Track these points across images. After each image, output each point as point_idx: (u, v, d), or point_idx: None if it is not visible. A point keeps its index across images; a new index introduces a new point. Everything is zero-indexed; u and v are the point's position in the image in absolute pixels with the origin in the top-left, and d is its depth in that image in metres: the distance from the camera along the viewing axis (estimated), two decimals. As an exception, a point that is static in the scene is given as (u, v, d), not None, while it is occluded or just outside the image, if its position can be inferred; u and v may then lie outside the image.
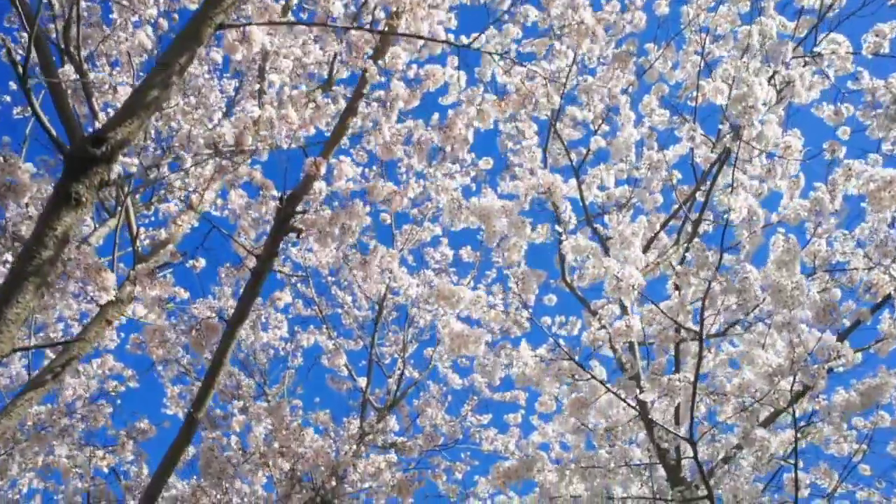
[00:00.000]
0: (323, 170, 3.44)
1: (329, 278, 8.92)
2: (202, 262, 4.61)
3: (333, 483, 5.67)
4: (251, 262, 3.68)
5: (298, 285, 8.90)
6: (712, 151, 5.56)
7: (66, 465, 3.32)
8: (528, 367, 4.07)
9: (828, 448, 4.40)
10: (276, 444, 4.19)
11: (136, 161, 4.27)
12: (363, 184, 3.61)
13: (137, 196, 4.84)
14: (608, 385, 3.91)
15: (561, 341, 3.94)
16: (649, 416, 3.98)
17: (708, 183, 5.76)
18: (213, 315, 3.63)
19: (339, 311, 8.65)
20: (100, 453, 4.13)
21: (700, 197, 5.78)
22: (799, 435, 4.00)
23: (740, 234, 3.97)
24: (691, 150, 5.78)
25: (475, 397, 8.44)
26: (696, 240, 3.95)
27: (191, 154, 4.03)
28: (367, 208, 3.83)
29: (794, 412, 4.03)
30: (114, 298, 4.43)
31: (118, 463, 4.19)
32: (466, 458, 7.78)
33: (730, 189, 3.92)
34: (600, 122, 6.64)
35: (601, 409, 4.08)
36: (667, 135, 7.33)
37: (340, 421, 6.71)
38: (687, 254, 4.03)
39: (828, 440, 4.38)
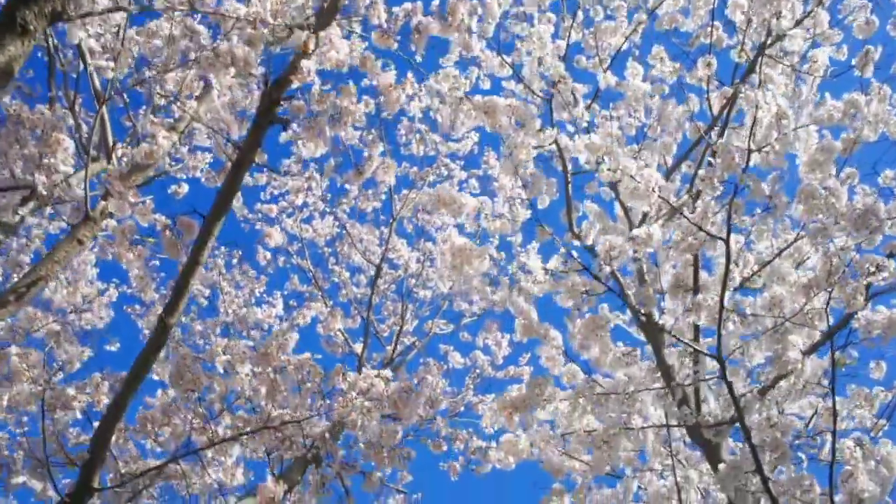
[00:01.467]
0: (313, 45, 3.11)
1: (326, 249, 8.60)
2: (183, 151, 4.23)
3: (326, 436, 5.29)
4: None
5: (294, 258, 8.58)
6: (731, 85, 5.23)
7: (17, 365, 2.96)
8: (538, 282, 3.71)
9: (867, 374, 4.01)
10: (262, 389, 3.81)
11: (111, 64, 3.94)
12: (356, 59, 3.27)
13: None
14: (627, 298, 3.54)
15: (574, 252, 3.58)
16: (670, 332, 3.61)
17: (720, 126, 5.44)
18: (189, 213, 3.28)
19: (336, 279, 8.30)
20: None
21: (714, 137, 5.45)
22: (837, 355, 3.63)
23: (769, 135, 3.62)
24: (706, 94, 5.46)
25: (477, 371, 8.06)
26: (720, 141, 3.61)
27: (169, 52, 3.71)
28: (363, 107, 3.50)
29: (830, 330, 3.66)
30: (86, 213, 4.10)
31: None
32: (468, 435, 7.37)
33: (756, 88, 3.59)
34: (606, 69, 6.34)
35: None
36: (677, 90, 7.04)
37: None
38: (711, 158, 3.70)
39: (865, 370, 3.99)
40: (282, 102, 3.32)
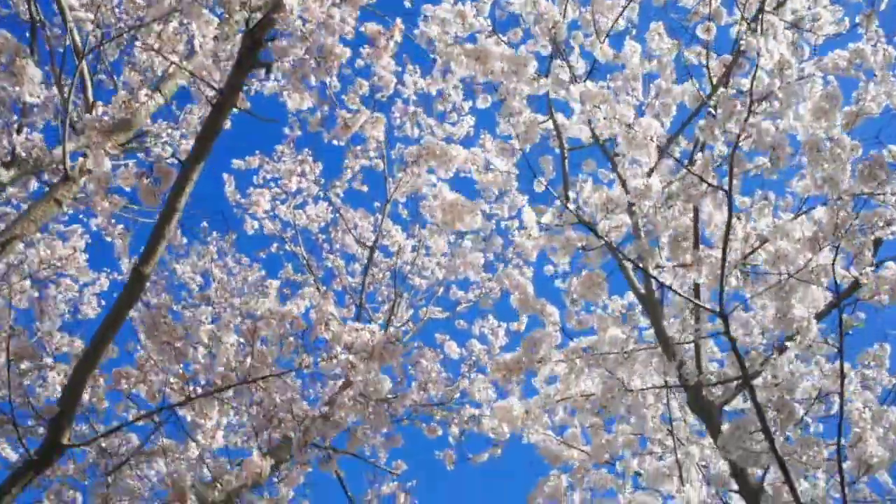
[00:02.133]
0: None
1: (319, 236, 8.45)
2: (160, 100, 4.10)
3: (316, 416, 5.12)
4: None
5: (288, 244, 8.43)
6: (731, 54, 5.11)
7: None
8: (532, 237, 3.56)
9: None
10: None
11: (90, 16, 3.81)
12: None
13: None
14: (624, 253, 3.39)
15: (570, 205, 3.43)
16: (669, 286, 3.45)
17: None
18: (167, 158, 3.13)
19: (330, 265, 8.14)
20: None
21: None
22: (845, 317, 3.47)
23: (771, 84, 3.49)
24: (706, 64, 5.33)
25: (473, 359, 7.88)
26: (721, 89, 3.48)
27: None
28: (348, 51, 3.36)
29: (837, 287, 3.51)
30: (64, 172, 3.96)
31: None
32: (464, 419, 7.19)
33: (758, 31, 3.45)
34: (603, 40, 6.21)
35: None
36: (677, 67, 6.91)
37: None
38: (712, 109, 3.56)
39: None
40: (264, 43, 3.19)
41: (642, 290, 5.13)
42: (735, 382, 4.27)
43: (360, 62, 6.77)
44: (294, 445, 3.38)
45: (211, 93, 3.48)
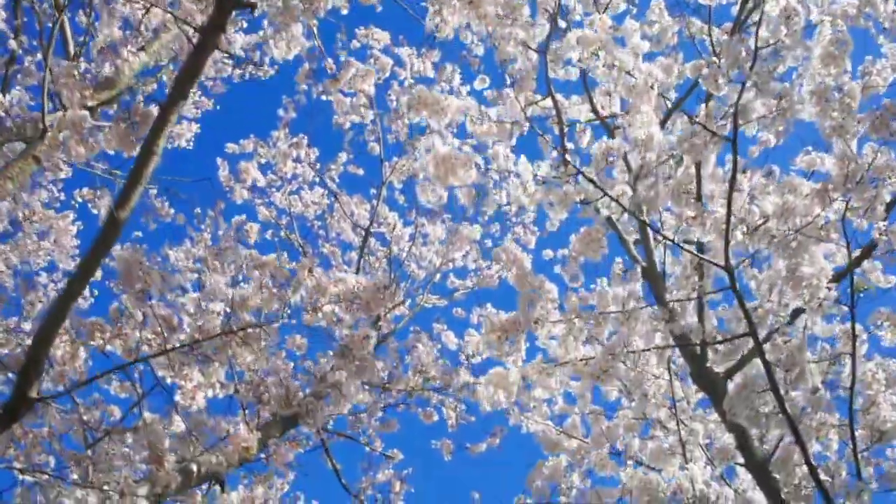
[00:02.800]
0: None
1: (315, 223, 8.30)
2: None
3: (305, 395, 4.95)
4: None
5: (283, 231, 8.28)
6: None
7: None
8: (528, 191, 3.40)
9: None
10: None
11: (71, -34, 3.69)
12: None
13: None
14: (625, 205, 3.23)
15: (567, 155, 3.28)
16: (672, 240, 3.29)
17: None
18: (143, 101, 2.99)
19: (325, 252, 7.98)
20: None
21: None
22: (857, 279, 3.32)
23: (778, 32, 3.34)
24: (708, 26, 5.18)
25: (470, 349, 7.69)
26: (725, 37, 3.34)
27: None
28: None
29: (848, 244, 3.35)
30: (43, 129, 3.82)
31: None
32: (460, 408, 7.01)
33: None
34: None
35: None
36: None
37: (317, 349, 6.02)
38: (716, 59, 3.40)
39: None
40: (247, -18, 3.05)
41: (644, 264, 4.97)
42: (741, 355, 4.11)
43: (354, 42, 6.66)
44: (279, 402, 3.21)
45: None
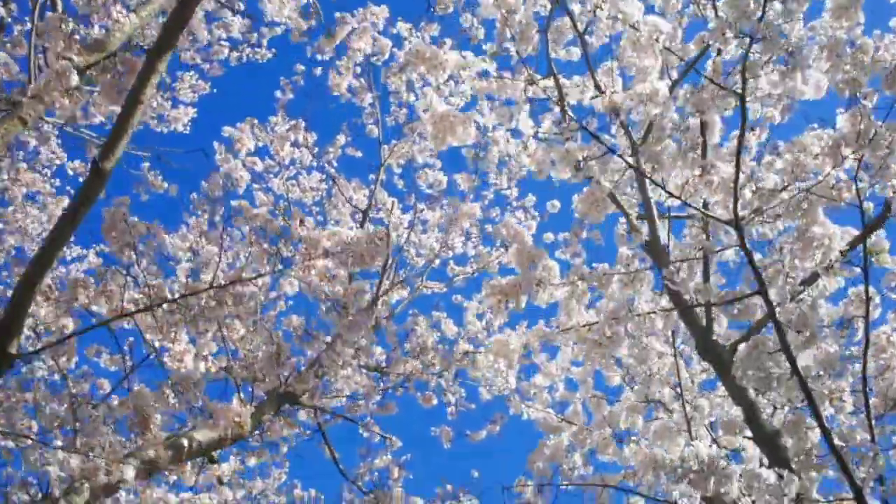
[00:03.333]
0: None
1: (314, 209, 8.17)
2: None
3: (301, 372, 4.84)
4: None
5: (281, 217, 8.14)
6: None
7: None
8: (528, 150, 3.29)
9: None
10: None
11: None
12: None
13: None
14: (628, 160, 3.12)
15: (569, 112, 3.17)
16: (679, 197, 3.17)
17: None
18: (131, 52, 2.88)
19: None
20: None
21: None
22: (871, 241, 3.20)
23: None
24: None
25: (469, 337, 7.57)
26: (732, -9, 3.22)
27: None
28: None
29: (861, 203, 3.23)
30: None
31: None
32: (459, 394, 6.88)
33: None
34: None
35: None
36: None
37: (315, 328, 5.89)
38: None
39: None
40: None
41: (647, 237, 4.86)
42: (748, 328, 3.99)
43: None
44: (268, 361, 3.09)
45: None
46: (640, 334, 4.23)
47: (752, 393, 3.97)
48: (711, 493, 3.31)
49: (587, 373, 5.51)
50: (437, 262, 7.62)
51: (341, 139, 7.43)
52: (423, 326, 6.30)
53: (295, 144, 7.72)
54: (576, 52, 5.32)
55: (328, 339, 4.91)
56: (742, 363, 3.05)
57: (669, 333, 4.38)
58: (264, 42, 7.57)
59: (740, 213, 3.07)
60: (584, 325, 3.43)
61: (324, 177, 7.62)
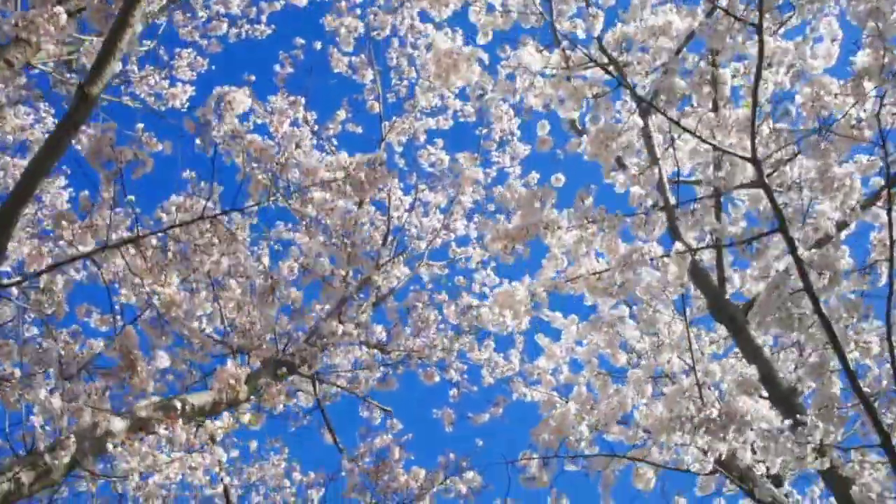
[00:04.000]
0: None
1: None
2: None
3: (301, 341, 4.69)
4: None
5: (280, 198, 8.00)
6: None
7: None
8: (536, 88, 3.14)
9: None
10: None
11: None
12: None
13: None
14: (644, 98, 2.98)
15: (579, 45, 3.03)
16: (693, 133, 3.02)
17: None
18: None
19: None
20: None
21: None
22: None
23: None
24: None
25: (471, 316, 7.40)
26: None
27: None
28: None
29: (884, 141, 3.08)
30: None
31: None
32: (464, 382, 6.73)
33: None
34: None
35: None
36: None
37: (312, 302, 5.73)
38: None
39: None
40: None
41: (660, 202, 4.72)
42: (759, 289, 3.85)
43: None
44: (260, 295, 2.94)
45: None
46: (649, 297, 4.09)
47: (766, 351, 3.83)
48: (728, 448, 3.16)
49: (591, 352, 5.36)
50: (439, 241, 7.48)
51: (342, 114, 7.28)
52: (424, 301, 6.14)
53: (295, 124, 7.58)
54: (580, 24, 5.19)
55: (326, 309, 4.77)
56: (760, 308, 2.90)
57: (680, 295, 4.24)
58: (263, 18, 7.47)
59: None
60: (593, 273, 3.28)
61: (322, 154, 7.46)
